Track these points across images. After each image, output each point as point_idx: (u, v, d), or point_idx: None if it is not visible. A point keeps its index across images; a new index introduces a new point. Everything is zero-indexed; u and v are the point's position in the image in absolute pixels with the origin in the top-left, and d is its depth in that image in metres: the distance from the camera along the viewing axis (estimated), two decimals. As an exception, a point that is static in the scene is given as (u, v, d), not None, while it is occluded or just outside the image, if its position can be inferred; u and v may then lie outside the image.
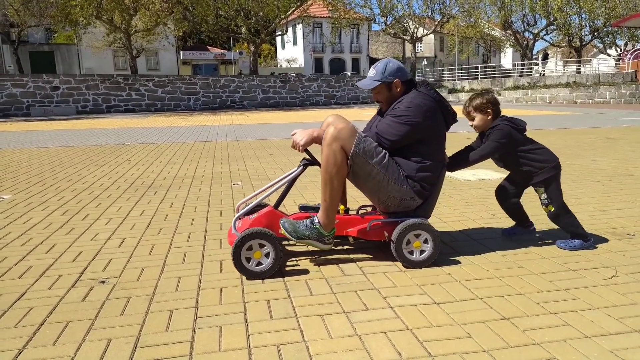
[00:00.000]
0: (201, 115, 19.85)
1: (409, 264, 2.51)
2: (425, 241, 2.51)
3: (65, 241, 3.10)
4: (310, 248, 2.85)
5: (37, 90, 20.84)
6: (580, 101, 24.35)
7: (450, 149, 2.80)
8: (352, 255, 2.72)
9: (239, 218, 2.71)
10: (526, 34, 39.17)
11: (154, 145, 8.71)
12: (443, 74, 36.33)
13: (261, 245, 2.42)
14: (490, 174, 5.18)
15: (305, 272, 2.50)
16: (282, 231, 2.52)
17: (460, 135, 8.47)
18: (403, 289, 2.26)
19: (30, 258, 2.79)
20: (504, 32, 40.20)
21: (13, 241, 3.11)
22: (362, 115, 17.07)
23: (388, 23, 36.50)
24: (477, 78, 33.17)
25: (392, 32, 37.27)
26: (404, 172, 2.52)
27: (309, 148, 2.60)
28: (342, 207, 2.83)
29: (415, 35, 37.09)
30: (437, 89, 2.68)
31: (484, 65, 37.38)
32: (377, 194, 2.54)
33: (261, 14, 27.43)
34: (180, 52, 43.74)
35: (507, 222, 3.20)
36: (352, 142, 2.42)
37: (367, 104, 28.86)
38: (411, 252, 2.51)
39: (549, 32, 39.33)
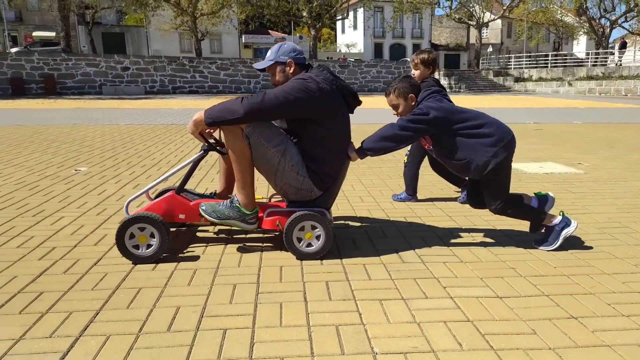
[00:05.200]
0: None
1: (300, 256, 2.45)
2: (318, 234, 2.44)
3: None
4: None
5: (108, 70, 21.97)
6: (661, 94, 22.56)
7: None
8: (411, 243, 2.69)
9: (135, 200, 2.70)
10: (602, 20, 36.60)
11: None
12: (509, 62, 34.75)
13: (143, 229, 2.38)
14: (560, 167, 4.94)
15: (363, 256, 2.51)
16: (203, 214, 2.49)
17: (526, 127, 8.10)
18: (464, 280, 2.22)
19: (105, 227, 2.97)
20: (577, 19, 37.80)
21: (89, 210, 3.33)
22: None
23: (453, 7, 35.28)
24: (546, 66, 31.48)
25: (457, 17, 36.02)
26: (304, 161, 2.46)
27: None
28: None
29: (481, 20, 35.64)
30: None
31: (555, 53, 35.38)
32: (273, 178, 2.49)
33: (323, -3, 27.31)
34: (242, 35, 44.51)
35: (579, 218, 3.05)
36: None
37: (427, 91, 28.21)
38: (303, 243, 2.45)
39: (628, 19, 36.52)
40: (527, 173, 4.71)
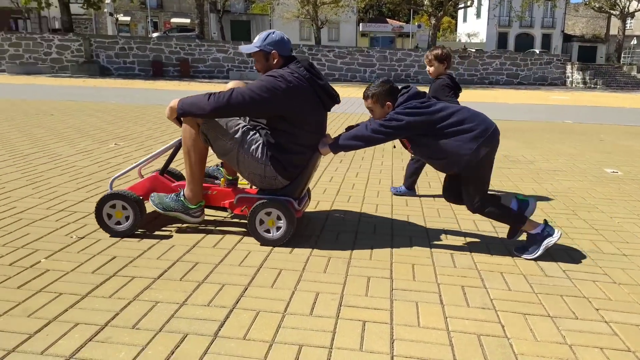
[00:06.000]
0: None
1: (262, 242, 2.53)
2: (279, 219, 2.49)
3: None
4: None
5: (235, 56, 23.39)
6: None
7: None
8: (554, 255, 2.52)
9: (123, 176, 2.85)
10: None
11: (335, 114, 9.13)
12: (658, 57, 30.61)
13: (123, 207, 2.52)
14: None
15: (498, 263, 2.41)
16: (151, 204, 2.59)
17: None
18: (619, 304, 2.03)
19: (243, 207, 3.20)
20: None
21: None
22: (549, 99, 15.44)
23: (594, -5, 31.87)
24: None
25: (597, 5, 32.50)
26: (269, 151, 2.49)
27: None
28: (224, 179, 2.90)
29: (626, 9, 31.77)
30: (314, 68, 2.51)
31: None
32: (237, 168, 2.57)
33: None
34: (360, 24, 44.58)
35: None
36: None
37: (557, 85, 26.00)
38: (267, 230, 2.52)
39: None
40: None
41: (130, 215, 2.54)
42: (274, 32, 2.56)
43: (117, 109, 8.58)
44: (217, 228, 2.76)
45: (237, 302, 1.94)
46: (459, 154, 2.35)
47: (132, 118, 7.47)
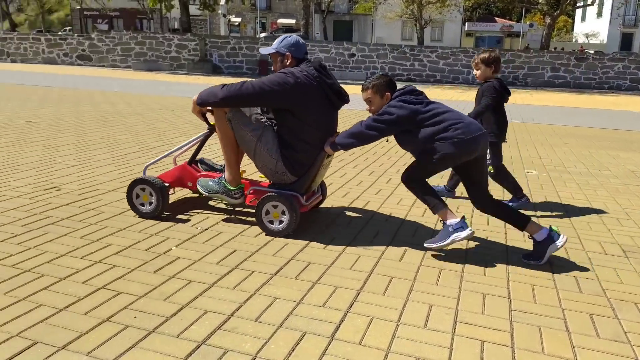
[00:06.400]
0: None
1: (267, 232, 2.71)
2: (283, 213, 2.64)
3: (376, 201, 3.48)
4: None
5: (337, 56, 23.72)
6: None
7: None
8: (698, 290, 2.24)
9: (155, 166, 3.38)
10: None
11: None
12: None
13: (145, 190, 2.85)
14: None
15: (631, 292, 2.19)
16: (198, 187, 2.90)
17: None
18: None
19: (350, 212, 3.24)
20: None
21: (334, 193, 3.67)
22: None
23: None
24: None
25: None
26: (279, 147, 2.67)
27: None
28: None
29: None
30: (325, 69, 2.67)
31: None
32: (253, 158, 2.76)
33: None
34: (466, 23, 42.93)
35: None
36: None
37: (692, 93, 22.98)
38: (271, 222, 2.69)
39: None
40: None
41: (154, 201, 2.85)
42: (290, 36, 2.77)
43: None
44: (327, 229, 2.83)
45: (351, 306, 1.97)
46: (438, 151, 2.46)
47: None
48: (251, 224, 2.87)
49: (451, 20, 37.33)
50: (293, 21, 40.63)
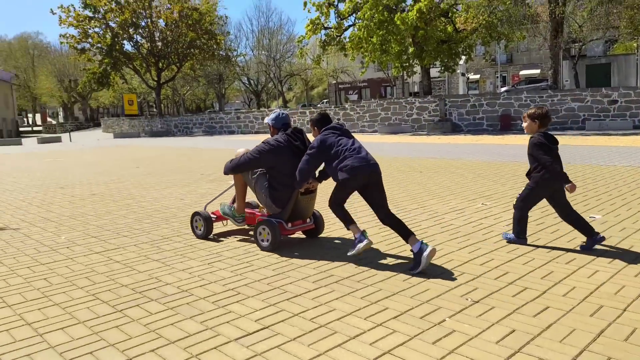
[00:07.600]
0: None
1: (260, 247, 3.86)
2: (267, 233, 3.80)
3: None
4: None
5: (594, 104, 21.09)
6: None
7: None
8: None
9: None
10: None
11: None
12: None
13: (197, 219, 4.35)
14: None
15: None
16: (219, 209, 4.41)
17: None
18: None
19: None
20: None
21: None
22: None
23: None
24: None
25: None
26: (268, 188, 3.90)
27: None
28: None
29: None
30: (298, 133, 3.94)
31: None
32: (255, 195, 4.10)
33: None
34: None
35: None
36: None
37: None
38: (262, 240, 3.86)
39: None
40: None
41: (203, 227, 4.24)
42: (274, 111, 4.06)
43: (474, 166, 8.99)
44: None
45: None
46: (339, 178, 3.43)
47: (491, 175, 7.65)
48: (527, 300, 2.69)
49: None
50: (537, 71, 38.24)
